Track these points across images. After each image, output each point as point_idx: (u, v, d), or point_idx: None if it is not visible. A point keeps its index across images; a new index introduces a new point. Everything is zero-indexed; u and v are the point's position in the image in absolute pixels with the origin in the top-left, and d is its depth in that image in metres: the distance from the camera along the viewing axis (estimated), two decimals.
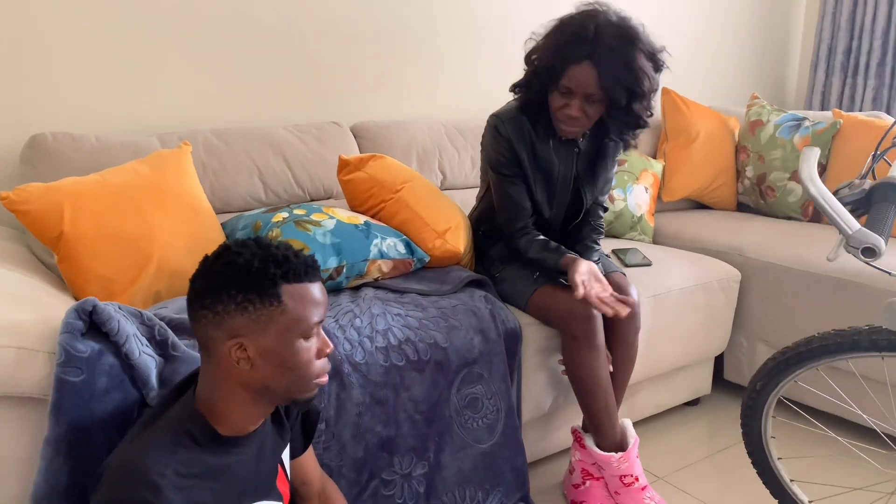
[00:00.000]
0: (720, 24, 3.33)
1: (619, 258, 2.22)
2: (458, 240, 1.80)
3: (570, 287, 1.73)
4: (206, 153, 1.95)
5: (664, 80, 3.22)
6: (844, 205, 0.99)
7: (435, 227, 1.79)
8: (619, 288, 1.79)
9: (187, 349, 1.32)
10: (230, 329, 1.02)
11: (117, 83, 1.99)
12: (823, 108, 3.49)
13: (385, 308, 1.65)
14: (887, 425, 1.97)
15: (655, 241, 2.59)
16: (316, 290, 1.07)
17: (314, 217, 1.73)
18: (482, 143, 1.85)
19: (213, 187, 1.93)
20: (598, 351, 1.68)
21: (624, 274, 1.87)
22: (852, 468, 1.94)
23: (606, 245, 2.40)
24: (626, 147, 1.81)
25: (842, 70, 3.43)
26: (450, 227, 1.80)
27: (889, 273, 1.23)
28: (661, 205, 2.81)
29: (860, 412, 1.71)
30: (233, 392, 1.06)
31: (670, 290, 2.08)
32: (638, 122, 1.70)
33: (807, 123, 2.63)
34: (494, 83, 2.69)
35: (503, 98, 2.70)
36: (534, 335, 1.77)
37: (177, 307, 1.50)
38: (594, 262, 1.82)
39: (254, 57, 2.18)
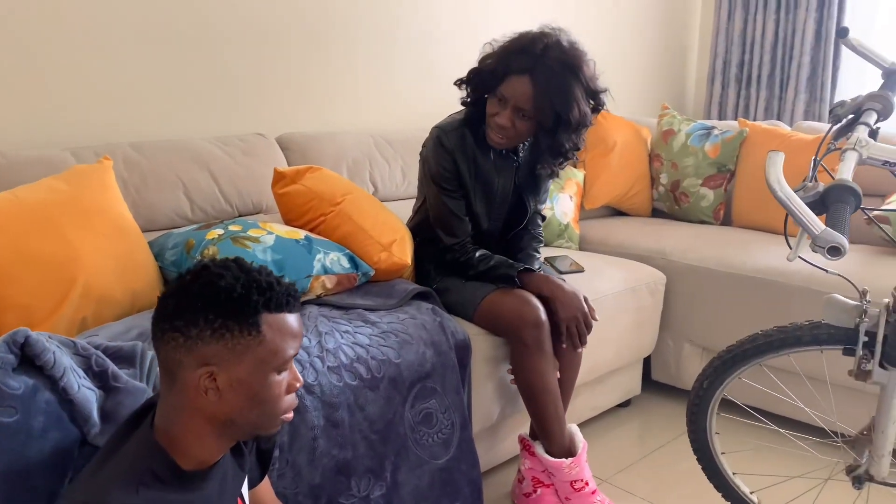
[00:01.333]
0: (627, 40, 3.47)
1: (552, 266, 2.25)
2: (405, 252, 1.77)
3: (516, 293, 1.74)
4: (127, 168, 1.82)
5: None
6: None
7: (380, 239, 1.75)
8: None
9: (130, 379, 1.22)
10: (202, 355, 0.94)
11: (20, 93, 1.82)
12: (721, 117, 3.70)
13: (332, 326, 1.59)
14: (822, 415, 2.09)
15: (582, 248, 2.65)
16: (295, 321, 1.01)
17: (252, 233, 1.65)
18: (422, 155, 1.83)
19: (136, 204, 1.80)
20: (547, 357, 1.69)
21: (563, 280, 1.90)
22: (791, 458, 2.04)
23: None
24: (551, 175, 1.84)
25: (736, 82, 3.66)
26: (395, 240, 1.76)
27: (826, 270, 1.31)
28: (584, 212, 2.88)
29: (800, 404, 1.81)
30: (195, 423, 0.98)
31: (604, 296, 2.13)
32: (560, 151, 1.70)
33: (716, 132, 2.78)
34: (419, 93, 2.68)
35: (429, 108, 2.72)
36: (482, 345, 1.76)
37: (109, 334, 1.39)
38: (537, 269, 1.84)
39: (170, 65, 2.07)
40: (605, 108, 1.71)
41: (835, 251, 0.94)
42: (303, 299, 1.70)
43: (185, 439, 0.98)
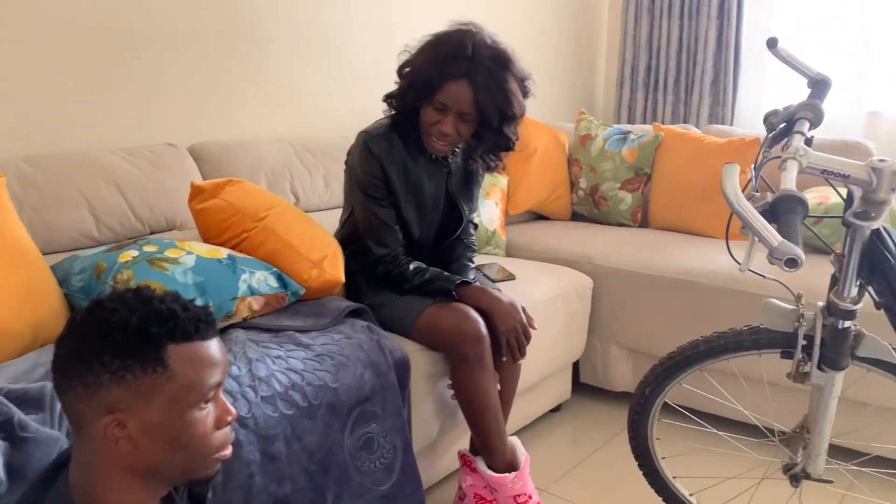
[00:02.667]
0: (539, 46, 3.50)
1: (483, 274, 2.22)
2: (337, 268, 1.68)
3: (455, 307, 1.69)
4: (21, 185, 1.64)
5: None
6: None
7: (309, 256, 1.65)
8: None
9: (40, 427, 1.08)
10: (105, 403, 0.84)
11: None
12: (630, 121, 3.79)
13: (263, 351, 1.49)
14: (758, 414, 2.15)
15: (509, 254, 2.64)
16: (211, 348, 0.91)
17: (170, 253, 1.52)
18: (348, 163, 1.76)
19: (34, 225, 1.63)
20: (488, 371, 1.65)
21: (500, 290, 1.87)
22: (728, 459, 2.09)
23: None
24: (489, 169, 1.81)
25: (644, 87, 3.76)
26: (326, 255, 1.67)
27: (764, 276, 1.33)
28: (508, 217, 2.87)
29: (736, 405, 1.85)
30: (114, 477, 0.88)
31: (537, 302, 2.11)
32: (507, 145, 1.72)
33: (632, 136, 2.84)
34: (340, 97, 2.58)
35: (350, 113, 2.62)
36: (421, 362, 1.70)
37: (11, 374, 1.24)
38: (471, 280, 1.80)
39: (67, 69, 1.89)
40: (531, 93, 1.71)
41: (792, 263, 0.94)
42: (228, 322, 1.58)
43: (106, 496, 0.88)
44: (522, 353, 1.72)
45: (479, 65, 1.57)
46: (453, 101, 1.58)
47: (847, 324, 1.23)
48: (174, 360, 0.87)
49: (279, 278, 1.63)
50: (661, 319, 2.30)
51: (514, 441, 1.76)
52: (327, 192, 2.31)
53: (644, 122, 3.75)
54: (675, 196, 2.70)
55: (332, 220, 2.26)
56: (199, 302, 1.48)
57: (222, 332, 1.57)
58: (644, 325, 2.34)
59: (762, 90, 3.47)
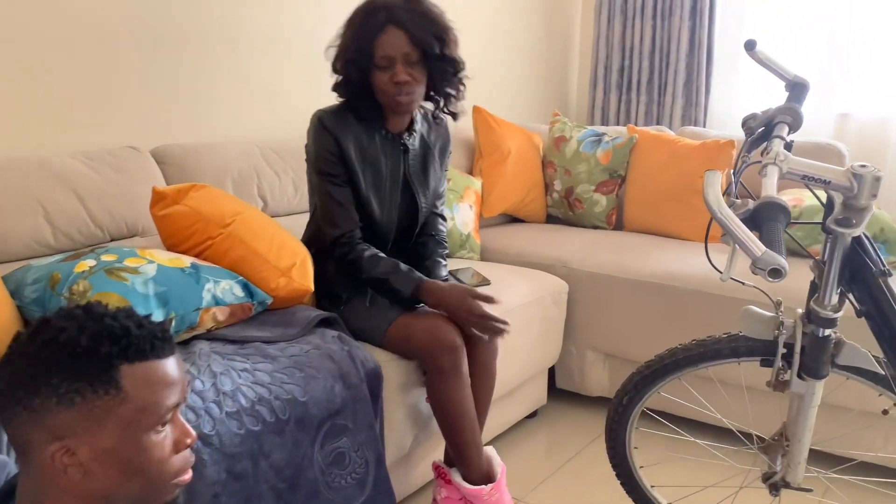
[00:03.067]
0: (513, 46, 3.47)
1: (457, 279, 2.17)
2: (306, 277, 1.62)
3: (428, 315, 1.65)
4: None
5: (473, 97, 3.27)
6: None
7: (277, 264, 1.59)
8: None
9: None
10: (52, 429, 0.78)
11: None
12: (604, 122, 3.78)
13: (228, 364, 1.43)
14: (736, 423, 2.13)
15: (483, 258, 2.60)
16: (168, 367, 0.86)
17: (129, 262, 1.45)
18: (306, 147, 1.73)
19: None
20: (465, 381, 1.61)
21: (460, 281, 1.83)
22: (707, 468, 2.06)
23: None
24: (454, 113, 1.78)
25: (617, 87, 3.75)
26: (294, 263, 1.61)
27: (743, 283, 1.31)
28: (482, 220, 2.83)
29: (714, 412, 1.83)
30: None
31: (511, 308, 2.08)
32: (458, 67, 1.70)
33: (606, 138, 2.81)
34: (308, 99, 2.51)
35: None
36: (393, 372, 1.65)
37: None
38: (444, 277, 1.76)
39: (21, 70, 1.80)
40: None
41: (776, 273, 0.91)
42: (192, 334, 1.52)
43: None
44: (497, 331, 1.65)
45: (395, 7, 1.60)
46: (392, 48, 1.59)
47: (827, 332, 1.21)
48: (128, 381, 0.81)
49: (245, 287, 1.57)
50: (637, 324, 2.28)
51: (490, 451, 1.72)
52: (296, 195, 2.25)
53: (618, 123, 3.74)
54: (650, 198, 2.68)
55: (302, 224, 2.20)
56: (159, 314, 1.42)
57: (185, 344, 1.51)
58: (620, 330, 2.31)
59: (734, 91, 3.48)
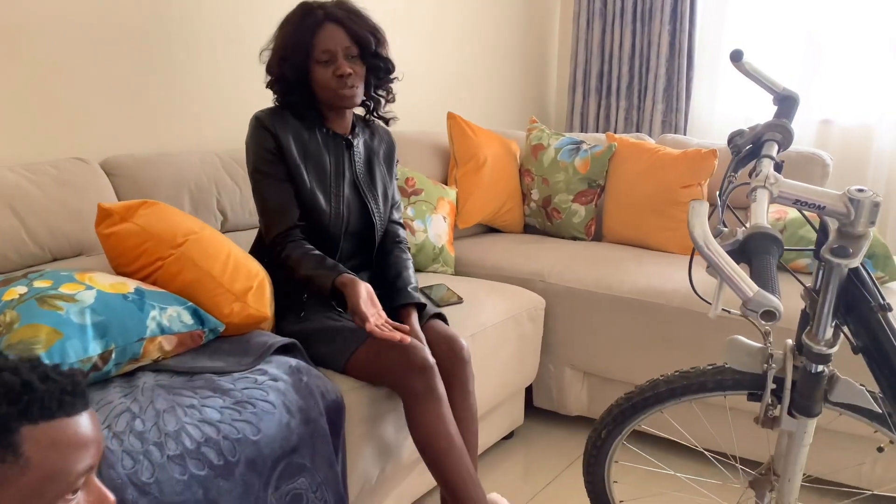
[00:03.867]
0: (489, 51, 3.37)
1: (429, 298, 2.07)
2: (263, 301, 1.51)
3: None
4: None
5: (448, 104, 3.17)
6: None
7: (231, 287, 1.48)
8: (450, 341, 1.63)
9: None
10: None
11: None
12: (583, 128, 3.69)
13: (173, 400, 1.31)
14: (719, 449, 2.04)
15: (458, 271, 2.50)
16: (80, 425, 0.75)
17: (65, 289, 1.33)
18: (246, 149, 1.67)
19: None
20: (443, 400, 1.49)
21: (445, 321, 1.72)
22: (688, 502, 1.97)
23: None
24: (380, 116, 1.78)
25: (597, 92, 3.67)
26: (251, 287, 1.50)
27: (730, 312, 1.21)
28: (457, 231, 2.73)
29: (698, 447, 1.74)
30: None
31: (485, 328, 1.98)
32: (389, 66, 1.72)
33: (585, 147, 2.72)
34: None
35: None
36: (357, 402, 1.54)
37: None
38: (413, 285, 1.71)
39: None
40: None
41: (769, 316, 0.82)
42: (135, 366, 1.40)
43: None
44: (403, 338, 1.48)
45: (331, 6, 1.63)
46: (333, 42, 1.60)
47: (820, 368, 1.12)
48: (30, 446, 0.70)
49: (195, 314, 1.45)
50: (617, 341, 2.19)
51: (496, 499, 1.60)
52: None
53: (597, 129, 3.65)
54: (629, 209, 2.60)
55: None
56: (97, 346, 1.29)
57: (129, 377, 1.39)
58: (599, 347, 2.22)
59: (715, 97, 3.41)
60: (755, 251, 0.90)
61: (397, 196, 1.86)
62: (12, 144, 1.79)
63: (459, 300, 2.07)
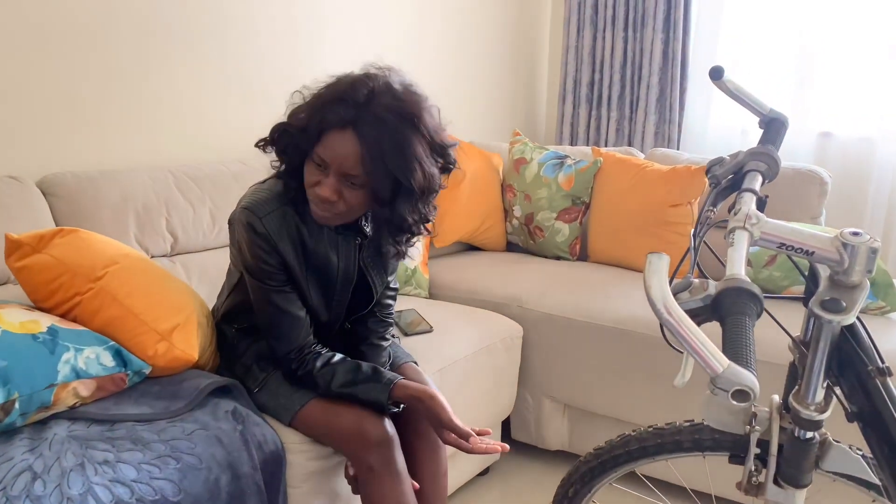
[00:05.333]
0: (474, 58, 3.23)
1: (396, 324, 1.92)
2: (190, 341, 1.36)
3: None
4: None
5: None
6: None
7: (155, 325, 1.33)
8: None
9: None
10: None
11: None
12: (573, 139, 3.55)
13: (84, 455, 1.17)
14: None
15: (431, 294, 2.35)
16: None
17: None
18: (231, 238, 1.38)
19: None
20: (401, 477, 1.33)
21: (416, 363, 1.58)
22: None
23: None
24: (398, 255, 1.44)
25: (587, 102, 3.52)
26: (177, 324, 1.35)
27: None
28: (433, 250, 2.58)
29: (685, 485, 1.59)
30: None
31: (455, 360, 1.83)
32: (402, 226, 1.31)
33: (569, 162, 2.58)
34: (234, 116, 2.26)
35: (247, 133, 2.29)
36: (302, 456, 1.38)
37: None
38: (384, 363, 1.50)
39: None
40: (455, 167, 1.34)
41: (742, 396, 0.68)
42: (49, 413, 1.25)
43: None
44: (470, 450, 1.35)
45: (372, 114, 1.19)
46: (334, 156, 1.21)
47: (810, 434, 0.97)
48: None
49: (118, 355, 1.31)
50: (598, 372, 2.04)
51: None
52: (214, 228, 1.98)
53: (587, 140, 3.51)
54: (615, 228, 2.45)
55: (220, 261, 1.95)
56: None
57: (40, 426, 1.24)
58: (580, 378, 2.07)
59: (710, 108, 3.26)
60: (729, 310, 0.76)
61: (396, 263, 1.54)
62: None
63: (429, 329, 1.92)
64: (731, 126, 3.21)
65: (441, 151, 1.29)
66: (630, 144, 3.40)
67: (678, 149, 3.25)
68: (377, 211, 1.29)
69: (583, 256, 2.61)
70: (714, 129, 3.27)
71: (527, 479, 2.15)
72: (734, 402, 0.68)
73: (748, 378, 0.67)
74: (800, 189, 2.32)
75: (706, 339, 0.70)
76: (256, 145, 1.34)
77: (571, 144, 3.51)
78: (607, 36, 3.40)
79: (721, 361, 0.68)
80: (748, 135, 3.13)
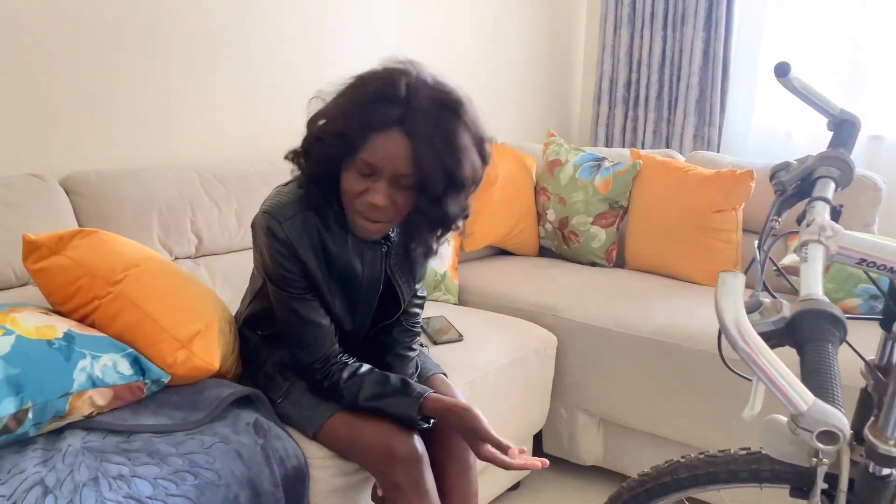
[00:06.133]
0: (508, 56, 3.14)
1: (424, 332, 1.85)
2: (210, 350, 1.30)
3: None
4: None
5: None
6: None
7: (175, 332, 1.27)
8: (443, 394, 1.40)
9: None
10: None
11: None
12: (608, 141, 3.45)
13: (98, 468, 1.11)
14: None
15: (461, 301, 2.27)
16: None
17: None
18: (254, 242, 1.30)
19: None
20: (430, 497, 1.25)
21: (445, 375, 1.50)
22: None
23: None
24: (427, 254, 1.34)
25: (624, 103, 3.41)
26: (198, 331, 1.29)
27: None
28: (463, 254, 2.50)
29: None
30: None
31: (486, 372, 1.75)
32: (448, 222, 1.23)
33: (606, 164, 2.48)
34: (262, 116, 2.20)
35: (275, 133, 2.24)
36: (326, 472, 1.31)
37: None
38: (411, 374, 1.42)
39: None
40: (490, 162, 1.25)
41: (829, 438, 0.59)
42: (62, 423, 1.20)
43: None
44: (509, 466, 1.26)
45: (418, 108, 1.13)
46: (384, 159, 1.13)
47: (887, 471, 0.87)
48: None
49: (135, 362, 1.25)
50: (637, 386, 1.94)
51: None
52: (240, 230, 1.93)
53: (623, 142, 3.40)
54: (655, 234, 2.35)
55: (245, 264, 1.89)
56: (10, 405, 1.10)
57: (55, 435, 1.19)
58: (617, 392, 1.97)
59: (753, 110, 3.13)
60: (808, 336, 0.67)
61: (425, 266, 1.46)
62: None
63: (459, 337, 1.84)
64: (774, 129, 3.08)
65: (480, 141, 1.21)
66: (668, 147, 3.28)
67: (718, 152, 3.13)
68: (425, 208, 1.19)
69: (619, 263, 2.51)
70: (757, 131, 3.14)
71: (558, 495, 2.07)
72: (821, 445, 0.59)
73: (837, 418, 0.59)
74: (852, 195, 2.20)
75: (788, 372, 0.61)
76: (287, 157, 1.25)
77: (607, 146, 3.40)
78: (645, 34, 3.29)
79: (805, 398, 0.59)
80: (793, 138, 3.00)
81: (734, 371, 0.89)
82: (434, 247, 1.32)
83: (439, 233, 1.28)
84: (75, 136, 1.80)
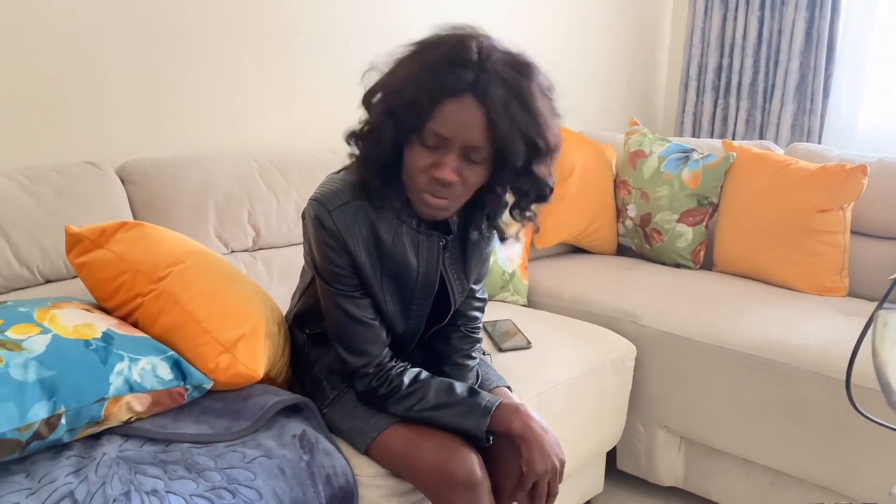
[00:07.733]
0: (586, 40, 2.95)
1: (489, 336, 1.72)
2: (255, 356, 1.20)
3: (436, 430, 1.17)
4: None
5: None
6: None
7: (219, 335, 1.18)
8: None
9: None
10: None
11: None
12: (695, 131, 3.20)
13: (132, 481, 1.03)
14: None
15: (530, 302, 2.12)
16: None
17: (13, 333, 1.07)
18: (304, 233, 1.22)
19: None
20: None
21: (509, 388, 1.35)
22: None
23: None
24: (502, 238, 1.25)
25: (713, 90, 3.16)
26: (243, 335, 1.19)
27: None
28: (534, 251, 2.35)
29: None
30: None
31: (556, 384, 1.60)
32: (542, 192, 1.14)
33: (695, 156, 2.27)
34: (330, 100, 2.10)
35: (344, 119, 2.14)
36: (375, 493, 1.20)
37: None
38: (472, 385, 1.28)
39: None
40: (561, 116, 1.14)
41: None
42: (98, 429, 1.12)
43: None
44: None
45: (491, 72, 1.02)
46: (456, 128, 1.03)
47: None
48: None
49: (176, 366, 1.16)
50: (724, 403, 1.75)
51: None
52: (299, 223, 1.83)
53: (711, 133, 3.15)
54: (749, 234, 2.12)
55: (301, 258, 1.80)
56: (42, 410, 1.02)
57: (91, 441, 1.12)
58: (701, 409, 1.79)
59: (860, 98, 2.83)
60: None
61: (484, 269, 1.35)
62: (17, 146, 1.57)
63: (527, 344, 1.70)
64: (885, 121, 2.78)
65: (554, 109, 1.11)
66: (762, 137, 3.02)
67: (819, 143, 2.85)
68: (506, 182, 1.12)
69: (707, 265, 2.29)
70: (864, 122, 2.84)
71: None
72: None
73: None
74: None
75: None
76: (347, 140, 1.14)
77: (694, 137, 3.16)
78: (739, 15, 3.03)
79: None
80: None
81: (860, 411, 0.71)
82: (525, 221, 1.22)
83: (532, 206, 1.18)
84: (132, 123, 1.74)
